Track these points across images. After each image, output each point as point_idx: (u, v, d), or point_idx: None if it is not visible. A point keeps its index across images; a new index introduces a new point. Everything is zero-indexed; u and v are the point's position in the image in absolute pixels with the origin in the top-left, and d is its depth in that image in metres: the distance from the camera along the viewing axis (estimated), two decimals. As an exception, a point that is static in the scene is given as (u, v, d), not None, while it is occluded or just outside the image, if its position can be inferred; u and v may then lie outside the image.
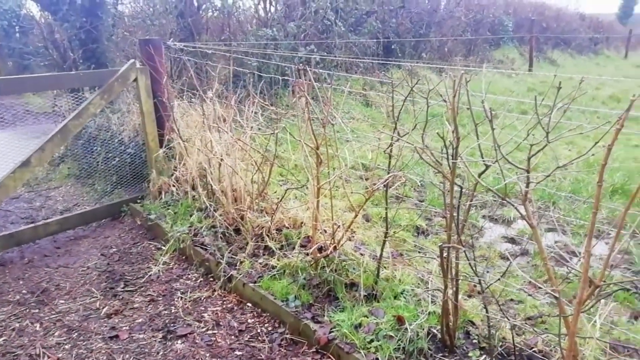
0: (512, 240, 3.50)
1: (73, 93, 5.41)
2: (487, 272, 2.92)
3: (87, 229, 4.07)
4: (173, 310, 2.80)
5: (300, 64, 5.55)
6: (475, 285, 2.59)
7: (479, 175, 1.98)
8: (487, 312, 2.13)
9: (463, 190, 1.96)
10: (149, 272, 3.27)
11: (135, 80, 4.07)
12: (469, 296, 2.66)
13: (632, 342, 2.22)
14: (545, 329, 2.38)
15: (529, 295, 2.66)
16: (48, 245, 3.78)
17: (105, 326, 2.68)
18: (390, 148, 2.31)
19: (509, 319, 2.07)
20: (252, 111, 3.32)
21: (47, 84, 4.00)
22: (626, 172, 4.75)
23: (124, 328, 2.66)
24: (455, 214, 2.02)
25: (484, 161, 1.84)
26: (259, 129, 3.57)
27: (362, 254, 3.00)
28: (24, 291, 3.07)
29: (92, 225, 4.14)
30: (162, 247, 3.57)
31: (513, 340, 2.07)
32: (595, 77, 9.96)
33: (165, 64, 4.38)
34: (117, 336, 2.58)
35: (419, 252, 3.16)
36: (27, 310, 2.85)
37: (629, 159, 5.35)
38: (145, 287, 3.10)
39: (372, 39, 8.19)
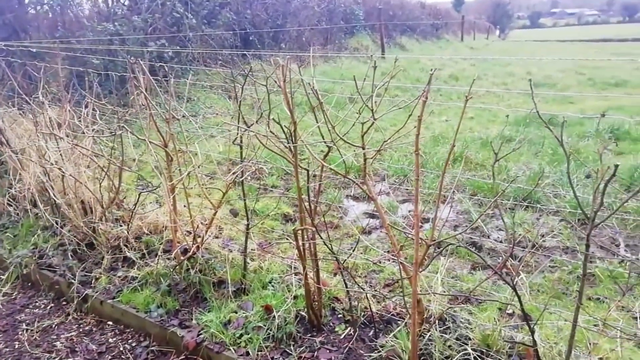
0: (372, 216, 3.75)
1: None
2: (350, 248, 3.08)
3: None
4: (17, 346, 2.47)
5: (146, 60, 5.23)
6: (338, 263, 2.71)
7: (324, 157, 2.06)
8: (346, 286, 2.25)
9: (310, 172, 2.02)
10: (-15, 307, 2.84)
11: (-57, 87, 3.46)
12: (335, 274, 2.78)
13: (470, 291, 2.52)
14: (401, 292, 2.59)
15: (375, 263, 2.86)
16: None
17: None
18: (239, 139, 2.29)
19: (363, 289, 2.20)
20: (89, 113, 3.03)
21: None
22: (463, 141, 5.38)
23: (-45, 378, 2.28)
24: (306, 196, 2.08)
25: (325, 142, 1.91)
26: (105, 131, 3.29)
27: (230, 250, 2.96)
28: None
29: None
30: (1, 276, 3.12)
31: (370, 308, 2.22)
32: (431, 56, 11.09)
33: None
34: (-55, 389, 2.20)
35: (287, 239, 3.21)
36: None
37: (465, 130, 6.06)
38: (-19, 325, 2.69)
39: (228, 30, 8.05)
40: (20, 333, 2.57)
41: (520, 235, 3.20)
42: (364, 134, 1.85)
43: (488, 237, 3.23)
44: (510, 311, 2.24)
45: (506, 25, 38.13)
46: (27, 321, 2.69)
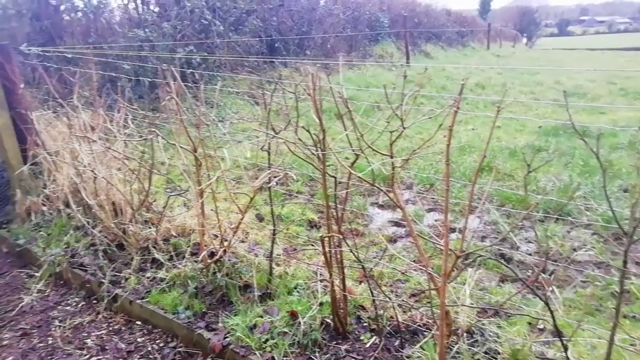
0: (397, 224, 3.72)
1: None
2: (376, 257, 3.07)
3: (-61, 266, 3.53)
4: (50, 342, 2.54)
5: (177, 67, 5.34)
6: (364, 271, 2.70)
7: (351, 164, 2.07)
8: (372, 295, 2.24)
9: (338, 180, 2.03)
10: (20, 303, 2.93)
11: (-16, 90, 3.60)
12: (360, 282, 2.77)
13: (500, 305, 2.48)
14: (428, 302, 2.56)
15: (403, 273, 2.84)
16: None
17: (-34, 373, 2.35)
18: (268, 145, 2.32)
19: (390, 299, 2.19)
20: (122, 117, 3.11)
21: None
22: (490, 150, 5.30)
23: (-10, 371, 2.35)
24: (333, 204, 2.09)
25: (353, 150, 1.92)
26: (136, 135, 3.37)
27: (256, 255, 2.98)
28: None
29: (-55, 260, 3.60)
30: (35, 273, 3.22)
31: (397, 318, 2.20)
32: (460, 66, 10.98)
33: (21, 72, 3.94)
34: (-19, 382, 2.27)
35: (312, 245, 3.22)
36: None
37: (492, 139, 5.97)
38: (16, 320, 2.77)
39: (255, 37, 8.15)
40: (53, 329, 2.64)
41: (551, 248, 3.13)
42: (393, 142, 1.84)
43: (517, 249, 3.18)
44: (541, 326, 2.19)
45: (533, 33, 37.53)
46: (60, 318, 2.76)
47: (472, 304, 2.25)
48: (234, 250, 2.91)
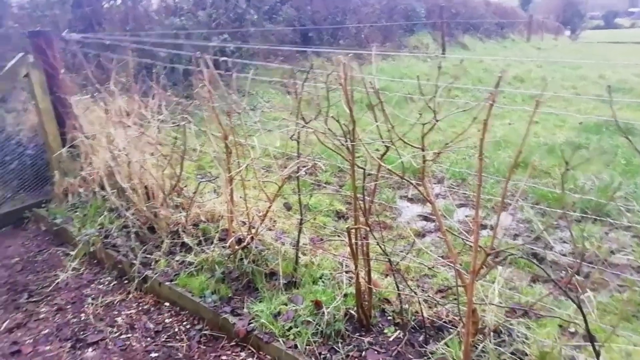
0: (426, 218, 3.67)
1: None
2: (403, 250, 3.03)
3: (-17, 241, 3.71)
4: (83, 318, 2.64)
5: (210, 55, 5.38)
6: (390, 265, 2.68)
7: (381, 156, 2.04)
8: (397, 289, 2.21)
9: (366, 171, 2.00)
10: (56, 279, 3.05)
11: (27, 75, 3.74)
12: (386, 275, 2.75)
13: (530, 305, 2.41)
14: (455, 299, 2.52)
15: (430, 268, 2.79)
16: (-64, 262, 3.40)
17: (6, 341, 2.46)
18: (297, 135, 2.31)
19: (416, 294, 2.16)
20: (156, 104, 3.17)
21: None
22: (527, 146, 5.14)
23: (28, 341, 2.46)
24: (361, 195, 2.07)
25: (383, 142, 1.89)
26: (170, 121, 3.42)
27: (282, 243, 2.99)
28: None
29: (-10, 235, 3.78)
30: (71, 252, 3.34)
31: (422, 313, 2.17)
32: (499, 58, 10.65)
33: (62, 57, 4.06)
34: (19, 351, 2.38)
35: (338, 236, 3.21)
36: None
37: (529, 134, 5.78)
38: (52, 295, 2.89)
39: (289, 27, 8.14)
40: (86, 306, 2.74)
41: (587, 249, 3.02)
42: (425, 135, 1.80)
43: (551, 249, 3.08)
44: (572, 330, 2.12)
45: (577, 26, 35.95)
46: (93, 295, 2.86)
47: (501, 302, 2.19)
48: (261, 238, 2.93)
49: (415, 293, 2.15)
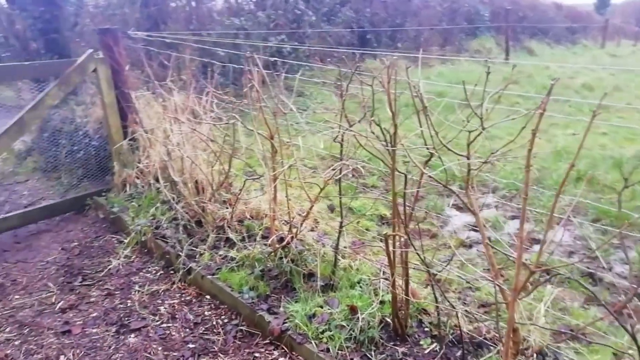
0: (474, 229, 3.53)
1: (37, 84, 5.28)
2: (446, 261, 2.94)
3: (50, 223, 3.99)
4: (129, 304, 2.76)
5: (265, 55, 5.48)
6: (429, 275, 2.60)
7: (425, 163, 1.97)
8: (436, 300, 2.14)
9: (408, 177, 1.95)
10: (108, 265, 3.22)
11: (95, 70, 3.97)
12: (427, 285, 2.67)
13: (579, 329, 2.25)
14: (498, 315, 2.40)
15: (468, 282, 2.68)
16: (8, 240, 3.69)
17: (59, 321, 2.63)
18: (340, 137, 2.29)
19: (454, 307, 2.08)
20: (209, 102, 3.26)
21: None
22: (592, 159, 4.82)
23: (78, 323, 2.61)
24: (402, 202, 2.02)
25: (427, 148, 1.83)
26: (221, 119, 3.52)
27: (323, 245, 2.99)
28: (-23, 287, 3.00)
29: (55, 219, 4.06)
30: (124, 240, 3.51)
31: (460, 328, 2.08)
32: (569, 65, 10.07)
33: (128, 54, 4.28)
34: (69, 331, 2.53)
35: (380, 241, 3.16)
36: (-21, 307, 2.78)
37: (595, 147, 5.43)
38: (104, 280, 3.05)
39: (347, 28, 8.13)
40: (132, 293, 2.87)
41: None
42: (470, 143, 1.73)
43: (610, 270, 2.86)
44: None
45: (660, 31, 33.32)
46: (140, 283, 2.99)
47: (547, 324, 2.06)
48: (302, 238, 2.94)
49: (453, 307, 2.07)
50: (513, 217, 3.72)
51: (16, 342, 2.46)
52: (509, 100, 7.15)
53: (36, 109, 3.65)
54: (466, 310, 2.28)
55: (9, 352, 2.38)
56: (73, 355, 2.34)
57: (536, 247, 3.14)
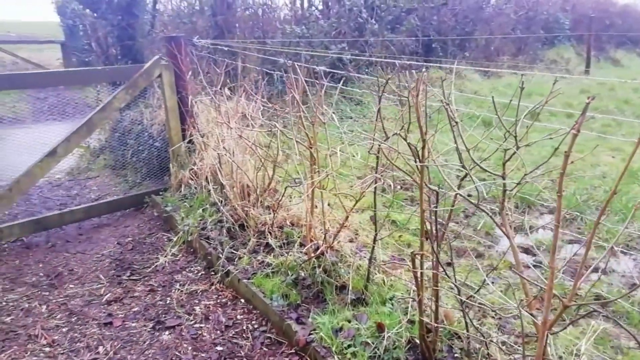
0: (526, 251, 3.30)
1: (113, 87, 5.70)
2: (489, 283, 2.77)
3: (111, 218, 4.26)
4: (168, 302, 2.87)
5: (325, 64, 5.51)
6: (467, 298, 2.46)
7: (460, 181, 1.88)
8: (467, 326, 2.02)
9: (440, 194, 1.86)
10: (156, 262, 3.37)
11: (160, 76, 4.20)
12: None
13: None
14: (525, 349, 2.21)
15: (494, 311, 2.48)
16: (73, 232, 3.99)
17: (103, 312, 2.79)
18: (378, 149, 2.24)
19: (484, 336, 1.95)
20: (257, 109, 3.33)
21: (73, 79, 4.21)
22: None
23: (120, 315, 2.76)
24: (434, 220, 1.93)
25: (459, 166, 1.74)
26: (266, 127, 3.58)
27: (360, 257, 2.93)
28: (40, 274, 3.26)
29: (116, 214, 4.33)
30: (173, 238, 3.67)
31: (495, 357, 1.95)
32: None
33: (192, 61, 4.49)
34: (111, 323, 2.67)
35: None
36: (39, 292, 3.02)
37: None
38: (149, 276, 3.20)
39: (411, 37, 7.99)
40: (173, 291, 2.99)
41: None
42: (506, 162, 1.61)
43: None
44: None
45: None
46: (181, 282, 3.10)
47: (590, 364, 1.87)
48: (339, 249, 2.91)
49: (483, 335, 1.94)
50: (571, 241, 3.44)
51: (64, 329, 2.63)
52: (546, 114, 6.63)
53: (104, 110, 3.92)
54: (497, 339, 2.12)
55: (56, 337, 2.56)
56: (111, 346, 2.47)
57: (594, 276, 2.87)
